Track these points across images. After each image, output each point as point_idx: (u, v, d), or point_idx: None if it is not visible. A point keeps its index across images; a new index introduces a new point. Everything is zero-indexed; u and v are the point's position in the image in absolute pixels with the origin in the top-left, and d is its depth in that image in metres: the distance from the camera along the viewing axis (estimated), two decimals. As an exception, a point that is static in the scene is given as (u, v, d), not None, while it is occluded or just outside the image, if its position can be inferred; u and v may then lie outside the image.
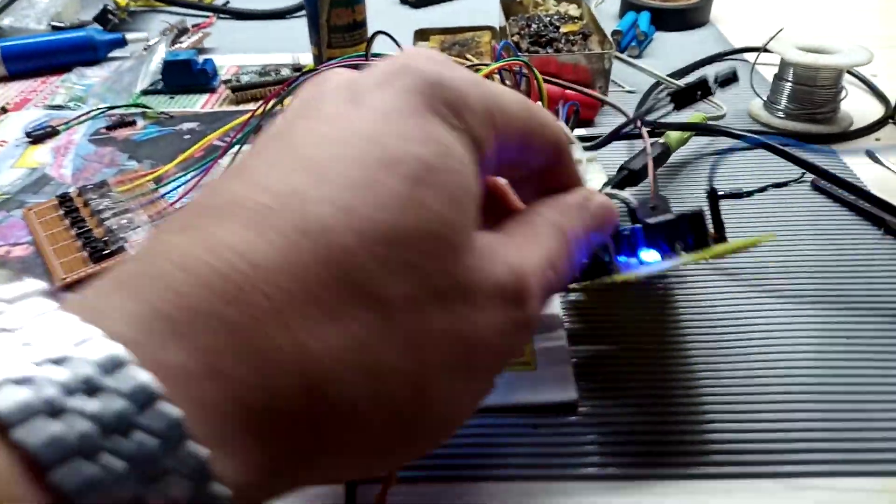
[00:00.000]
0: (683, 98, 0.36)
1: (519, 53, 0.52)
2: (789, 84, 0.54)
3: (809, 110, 0.54)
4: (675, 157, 0.49)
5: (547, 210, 0.23)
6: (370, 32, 0.68)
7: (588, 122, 0.57)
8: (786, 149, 0.52)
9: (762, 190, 0.47)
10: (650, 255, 0.30)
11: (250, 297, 0.15)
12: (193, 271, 0.15)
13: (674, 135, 0.48)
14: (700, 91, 0.32)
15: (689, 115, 0.54)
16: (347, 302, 0.16)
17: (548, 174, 0.24)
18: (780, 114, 0.55)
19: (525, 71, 0.45)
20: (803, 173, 0.49)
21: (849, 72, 0.61)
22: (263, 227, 0.16)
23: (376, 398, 0.17)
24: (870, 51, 0.53)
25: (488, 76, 0.40)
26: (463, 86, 0.19)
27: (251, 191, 0.17)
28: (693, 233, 0.31)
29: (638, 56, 0.70)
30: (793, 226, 0.44)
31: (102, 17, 0.78)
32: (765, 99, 0.57)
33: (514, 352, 0.21)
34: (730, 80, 0.32)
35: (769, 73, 0.59)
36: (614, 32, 0.70)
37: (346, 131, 0.18)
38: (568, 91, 0.53)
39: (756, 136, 0.42)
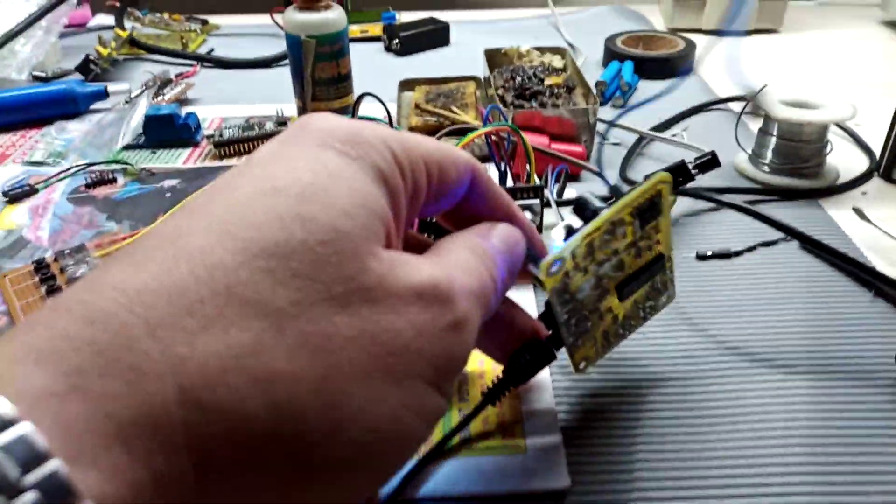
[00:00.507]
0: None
1: (505, 115, 0.52)
2: (774, 138, 0.55)
3: (795, 165, 0.54)
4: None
5: (462, 232, 0.25)
6: (355, 84, 0.68)
7: (574, 178, 0.56)
8: (773, 203, 0.53)
9: (750, 249, 0.47)
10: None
11: (121, 319, 0.16)
12: (71, 309, 0.16)
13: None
14: (681, 177, 0.31)
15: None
16: (233, 313, 0.17)
17: (477, 207, 0.25)
18: (766, 168, 0.55)
19: (514, 137, 0.44)
20: (790, 233, 0.49)
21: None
22: (143, 262, 0.17)
23: (275, 407, 0.17)
24: (853, 105, 0.53)
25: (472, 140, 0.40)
26: (356, 125, 0.21)
27: (144, 238, 0.19)
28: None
29: (622, 106, 0.70)
30: (782, 288, 0.44)
31: (84, 68, 0.77)
32: (750, 153, 0.57)
33: (450, 356, 0.21)
34: (709, 164, 0.31)
35: (754, 124, 0.59)
36: (598, 83, 0.70)
37: (240, 177, 0.20)
38: (552, 155, 0.53)
39: (735, 202, 0.42)
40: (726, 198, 0.52)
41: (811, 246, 0.40)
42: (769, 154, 0.55)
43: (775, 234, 0.49)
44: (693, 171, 0.28)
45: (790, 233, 0.41)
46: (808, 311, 0.42)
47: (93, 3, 1.04)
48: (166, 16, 0.97)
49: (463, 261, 0.22)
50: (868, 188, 0.55)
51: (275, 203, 0.18)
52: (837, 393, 0.36)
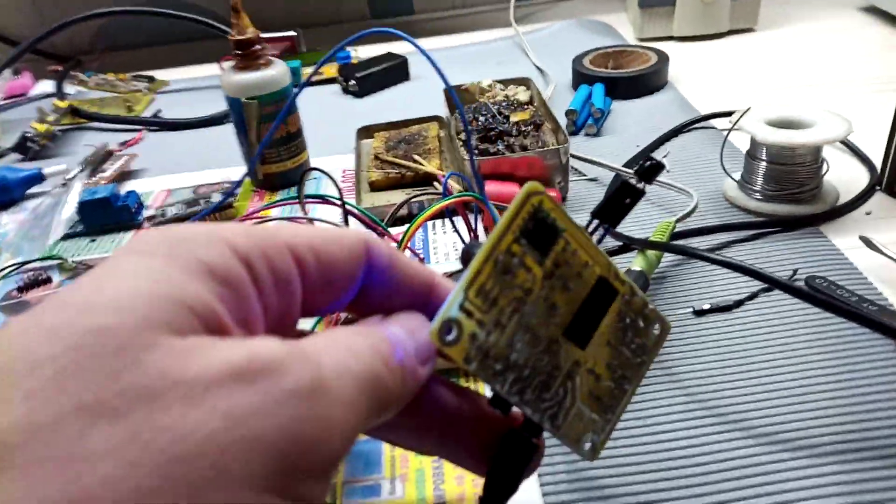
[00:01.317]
0: (612, 214, 0.27)
1: (465, 177, 0.47)
2: (764, 163, 0.50)
3: (790, 190, 0.49)
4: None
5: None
6: (313, 132, 0.63)
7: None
8: (770, 236, 0.48)
9: (752, 297, 0.42)
10: None
11: None
12: None
13: (644, 259, 0.43)
14: (628, 198, 0.25)
15: (657, 223, 0.49)
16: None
17: (387, 290, 0.22)
18: (758, 196, 0.51)
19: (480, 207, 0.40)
20: (795, 271, 0.44)
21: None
22: None
23: None
24: (846, 120, 0.48)
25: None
26: (191, 228, 0.19)
27: None
28: None
29: (596, 134, 0.65)
30: (793, 342, 0.39)
31: (22, 146, 0.72)
32: (739, 179, 0.52)
33: (295, 438, 0.16)
34: (653, 171, 0.25)
35: (741, 142, 0.54)
36: (568, 112, 0.66)
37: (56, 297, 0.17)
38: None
39: (727, 258, 0.37)
40: (717, 237, 0.48)
41: (824, 296, 0.35)
42: (760, 180, 0.50)
43: (781, 271, 0.44)
44: (639, 186, 0.23)
45: (785, 289, 0.36)
46: (826, 370, 0.37)
47: (34, 70, 0.99)
48: (111, 76, 0.92)
49: (337, 340, 0.19)
50: (872, 206, 0.50)
51: (53, 319, 0.16)
52: (871, 473, 0.31)
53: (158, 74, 0.95)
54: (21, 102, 0.91)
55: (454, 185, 0.51)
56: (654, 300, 0.43)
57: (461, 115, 0.41)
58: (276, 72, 0.58)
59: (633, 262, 0.43)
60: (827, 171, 0.50)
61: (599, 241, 0.25)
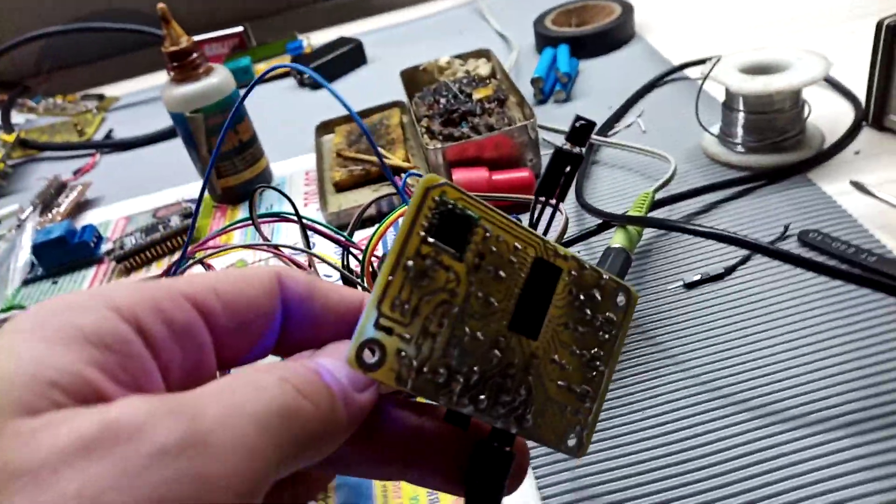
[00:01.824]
0: (554, 187, 0.24)
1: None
2: (742, 114, 0.47)
3: (771, 139, 0.46)
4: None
5: None
6: (269, 133, 0.60)
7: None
8: (758, 190, 0.45)
9: (744, 261, 0.40)
10: None
11: None
12: None
13: (624, 235, 0.40)
14: (567, 166, 0.22)
15: (637, 193, 0.46)
16: None
17: (315, 324, 0.21)
18: (739, 148, 0.48)
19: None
20: (786, 228, 0.41)
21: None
22: None
23: None
24: (824, 57, 0.45)
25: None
26: (67, 297, 0.18)
27: None
28: None
29: (566, 100, 0.62)
30: (792, 308, 0.36)
31: (-28, 189, 0.69)
32: (717, 134, 0.49)
33: (166, 499, 0.14)
34: (583, 132, 0.22)
35: (717, 91, 0.51)
36: (534, 81, 0.62)
37: None
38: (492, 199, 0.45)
39: (707, 229, 0.35)
40: (701, 199, 0.45)
41: (801, 264, 0.33)
42: (739, 132, 0.48)
43: (771, 229, 0.41)
44: (574, 151, 0.20)
45: (771, 254, 0.34)
46: (829, 332, 0.35)
47: (-20, 102, 0.95)
48: (60, 99, 0.88)
49: (236, 380, 0.17)
50: (860, 145, 0.47)
51: None
52: (890, 448, 0.29)
53: (109, 90, 0.91)
54: (-30, 139, 0.87)
55: (414, 185, 0.48)
56: (641, 276, 0.41)
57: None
58: (217, 80, 0.54)
59: (613, 238, 0.40)
60: (809, 113, 0.47)
61: (550, 219, 0.23)
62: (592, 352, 0.22)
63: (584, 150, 0.23)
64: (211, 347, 0.19)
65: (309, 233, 0.41)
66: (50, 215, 0.60)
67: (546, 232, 0.25)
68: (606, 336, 0.22)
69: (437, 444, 0.21)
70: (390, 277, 0.18)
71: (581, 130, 0.23)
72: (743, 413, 0.32)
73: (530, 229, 0.21)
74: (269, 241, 0.40)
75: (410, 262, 0.18)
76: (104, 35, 0.87)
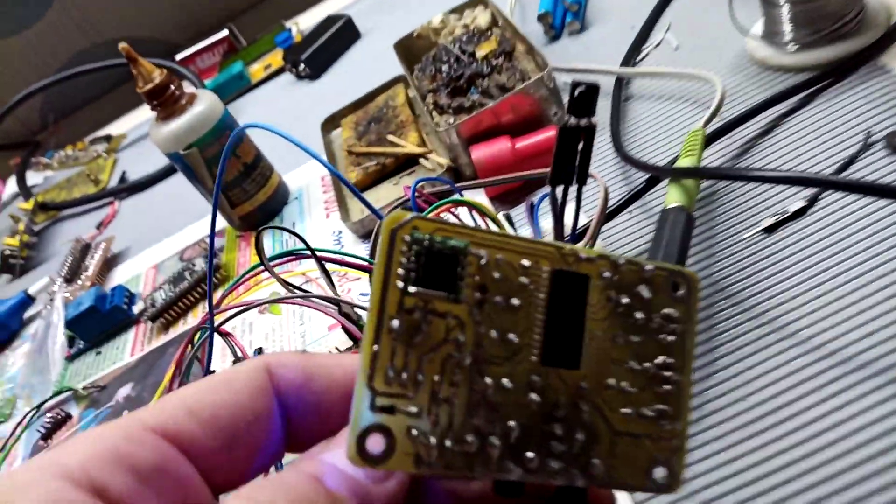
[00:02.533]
0: (569, 169, 0.18)
1: (448, 180, 0.40)
2: (786, 7, 0.40)
3: (827, 29, 0.39)
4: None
5: None
6: (274, 139, 0.56)
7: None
8: (825, 93, 0.38)
9: (828, 184, 0.34)
10: None
11: None
12: None
13: (680, 189, 0.34)
14: (580, 142, 0.17)
15: (683, 125, 0.40)
16: None
17: (316, 411, 0.18)
18: (791, 47, 0.41)
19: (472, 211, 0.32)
20: (868, 134, 0.35)
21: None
22: None
23: None
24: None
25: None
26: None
27: None
28: None
29: (580, 31, 0.55)
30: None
31: (6, 266, 0.68)
32: (762, 35, 0.42)
33: None
34: (588, 96, 0.17)
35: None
36: (540, 17, 0.56)
37: None
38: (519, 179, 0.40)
39: (774, 173, 0.29)
40: (761, 118, 0.39)
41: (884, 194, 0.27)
42: (787, 28, 0.40)
43: (851, 137, 0.35)
44: (582, 123, 0.16)
45: (846, 188, 0.28)
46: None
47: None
48: (71, 150, 0.87)
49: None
50: (938, 6, 0.40)
51: None
52: None
53: (114, 127, 0.89)
54: (-2, 210, 0.87)
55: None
56: (710, 230, 0.35)
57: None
58: (203, 106, 0.50)
59: (668, 195, 0.35)
60: (868, -15, 0.39)
61: (578, 203, 0.20)
62: (658, 361, 0.18)
63: (593, 119, 0.18)
64: (196, 478, 0.17)
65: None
66: (80, 282, 0.59)
67: (576, 217, 0.21)
68: (671, 338, 0.18)
69: None
70: (375, 347, 0.15)
71: (583, 98, 0.18)
72: (850, 367, 0.27)
73: (537, 238, 0.17)
74: (294, 286, 0.36)
75: (395, 322, 0.16)
76: (99, 74, 0.84)
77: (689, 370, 0.18)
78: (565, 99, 0.47)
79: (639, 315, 0.17)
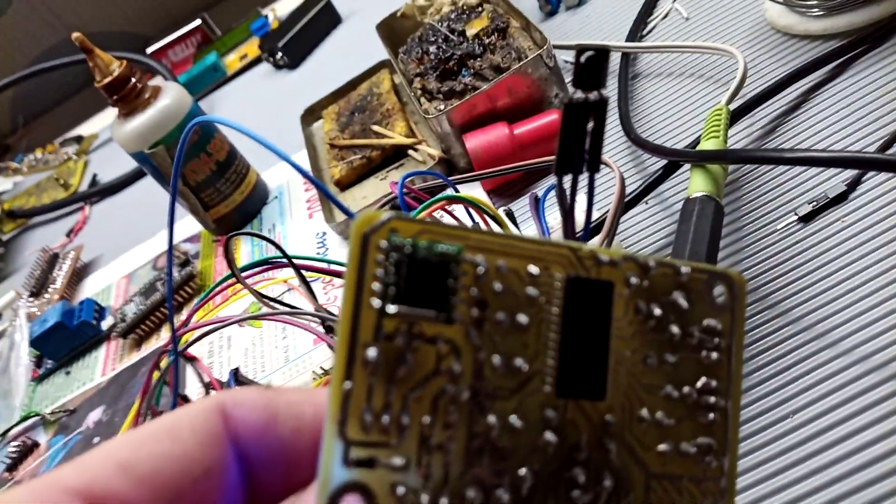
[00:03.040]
0: (580, 153, 0.14)
1: (441, 177, 0.35)
2: (813, -35, 0.35)
3: (859, -12, 0.35)
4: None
5: None
6: (249, 147, 0.52)
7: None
8: (858, 63, 0.34)
9: (873, 164, 0.30)
10: None
11: None
12: None
13: (704, 175, 0.30)
14: (589, 120, 0.14)
15: (702, 102, 0.36)
16: None
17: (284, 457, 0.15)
18: (817, 11, 0.37)
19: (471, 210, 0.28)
20: (916, 106, 0.31)
21: None
22: None
23: None
24: None
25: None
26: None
27: None
28: None
29: (578, 4, 0.51)
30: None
31: (-29, 280, 0.64)
32: (781, 0, 0.38)
33: None
34: (595, 64, 0.14)
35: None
36: (535, -9, 0.51)
37: None
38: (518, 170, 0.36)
39: (810, 154, 0.25)
40: (790, 91, 0.35)
41: None
42: (814, -10, 0.36)
43: (891, 112, 0.31)
44: (592, 98, 0.13)
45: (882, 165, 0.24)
46: None
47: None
48: (41, 153, 0.82)
49: None
50: (981, -40, 0.35)
51: None
52: None
53: (86, 127, 0.84)
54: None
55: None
56: (740, 220, 0.31)
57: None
58: (169, 100, 0.46)
59: (690, 182, 0.31)
60: (904, -62, 0.35)
61: (590, 194, 0.16)
62: (699, 385, 0.15)
63: (603, 91, 0.14)
64: None
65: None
66: (47, 295, 0.54)
67: (589, 211, 0.17)
68: (714, 355, 0.15)
69: None
70: (347, 384, 0.12)
71: (591, 66, 0.14)
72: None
73: (547, 239, 0.14)
74: (269, 299, 0.32)
75: (372, 351, 0.13)
76: (68, 71, 0.79)
77: (737, 393, 0.15)
78: (567, 79, 0.44)
79: (674, 329, 0.14)
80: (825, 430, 0.24)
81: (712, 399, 0.15)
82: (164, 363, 0.33)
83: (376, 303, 0.13)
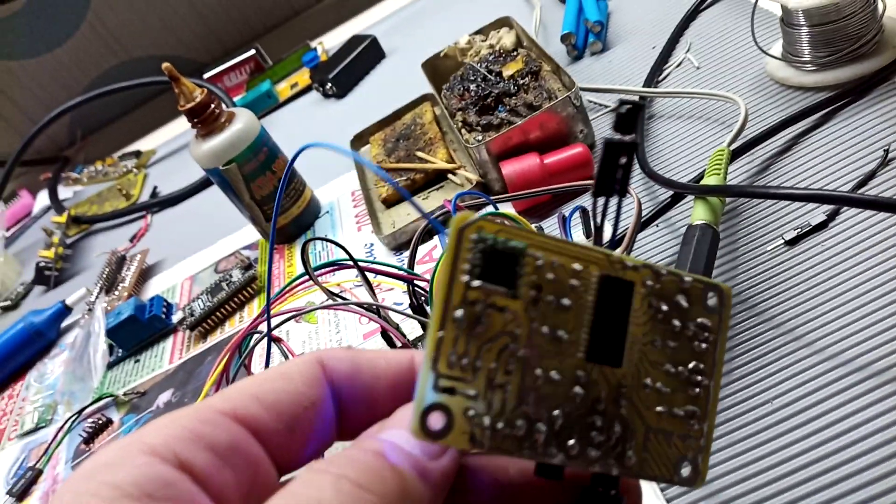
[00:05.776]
0: (612, 182, 0.19)
1: (483, 194, 0.41)
2: (805, 29, 0.41)
3: (845, 49, 0.41)
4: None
5: None
6: (304, 154, 0.58)
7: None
8: (843, 112, 0.40)
9: (848, 202, 0.35)
10: None
11: None
12: None
13: (705, 206, 0.36)
14: (622, 157, 0.18)
15: (707, 143, 0.42)
16: None
17: (368, 402, 0.20)
18: (810, 67, 0.43)
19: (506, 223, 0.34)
20: (886, 151, 0.37)
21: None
22: None
23: None
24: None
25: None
26: (82, 467, 0.17)
27: None
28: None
29: (602, 50, 0.57)
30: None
31: (41, 278, 0.71)
32: (781, 55, 0.44)
33: None
34: (632, 114, 0.19)
35: (772, 3, 0.46)
36: (564, 38, 0.58)
37: None
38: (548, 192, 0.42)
39: (796, 191, 0.31)
40: (782, 136, 0.41)
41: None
42: (806, 49, 0.42)
43: (869, 154, 0.37)
44: (626, 140, 0.17)
45: (861, 204, 0.29)
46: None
47: (30, 184, 0.97)
48: (100, 165, 0.89)
49: (295, 496, 0.17)
50: (951, 28, 0.41)
51: None
52: None
53: (143, 143, 0.91)
54: (28, 224, 0.89)
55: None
56: (733, 243, 0.37)
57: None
58: (242, 124, 0.52)
59: (693, 212, 0.37)
60: (884, 9, 0.41)
61: (618, 212, 0.22)
62: (690, 366, 0.19)
63: (636, 136, 0.20)
64: (265, 457, 0.18)
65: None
66: (116, 293, 0.61)
67: (615, 227, 0.23)
68: (704, 345, 0.19)
69: (534, 499, 0.19)
70: (440, 333, 0.17)
71: (629, 116, 0.20)
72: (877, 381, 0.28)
73: (588, 244, 0.19)
74: (335, 294, 0.38)
75: (459, 312, 0.17)
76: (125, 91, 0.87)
77: (718, 377, 0.19)
78: (592, 116, 0.50)
79: (676, 322, 0.19)
80: (799, 412, 0.29)
81: (699, 378, 0.19)
82: (244, 345, 0.39)
83: (465, 278, 0.17)
